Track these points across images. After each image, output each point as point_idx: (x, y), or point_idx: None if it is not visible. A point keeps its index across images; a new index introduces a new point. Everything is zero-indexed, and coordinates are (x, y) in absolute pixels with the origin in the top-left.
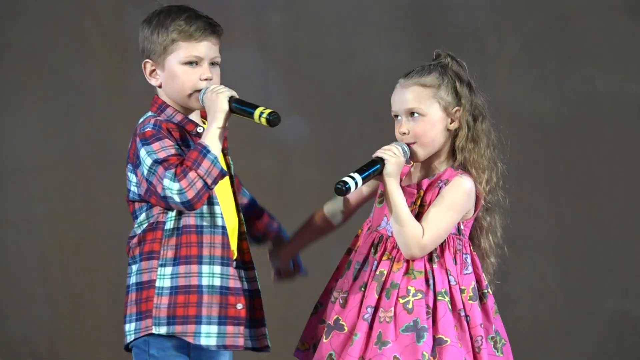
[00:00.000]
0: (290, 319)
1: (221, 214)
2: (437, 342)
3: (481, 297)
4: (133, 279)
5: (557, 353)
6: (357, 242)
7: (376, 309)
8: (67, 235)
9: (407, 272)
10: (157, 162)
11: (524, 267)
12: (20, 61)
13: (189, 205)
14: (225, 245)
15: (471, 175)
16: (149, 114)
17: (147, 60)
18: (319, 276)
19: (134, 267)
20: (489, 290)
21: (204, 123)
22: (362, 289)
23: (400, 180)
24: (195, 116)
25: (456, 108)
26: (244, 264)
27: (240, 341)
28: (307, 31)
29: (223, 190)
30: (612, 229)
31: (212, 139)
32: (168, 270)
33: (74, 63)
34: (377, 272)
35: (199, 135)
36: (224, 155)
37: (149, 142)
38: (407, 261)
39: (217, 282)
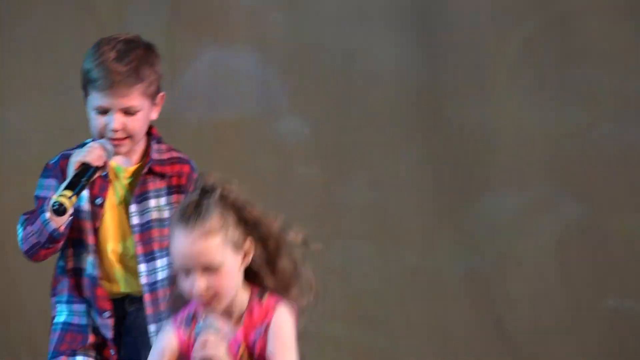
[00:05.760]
0: None
1: (93, 262)
2: None
3: None
4: None
5: (558, 353)
6: None
7: None
8: None
9: None
10: (35, 198)
11: (524, 268)
12: (20, 61)
13: (27, 257)
14: (93, 295)
15: (283, 298)
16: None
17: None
18: (320, 274)
19: None
20: None
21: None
22: None
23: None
24: (124, 158)
25: (246, 241)
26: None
27: None
28: (308, 30)
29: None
30: (612, 229)
31: (61, 187)
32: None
33: (73, 63)
34: None
35: (104, 177)
36: (133, 203)
37: (41, 176)
38: None
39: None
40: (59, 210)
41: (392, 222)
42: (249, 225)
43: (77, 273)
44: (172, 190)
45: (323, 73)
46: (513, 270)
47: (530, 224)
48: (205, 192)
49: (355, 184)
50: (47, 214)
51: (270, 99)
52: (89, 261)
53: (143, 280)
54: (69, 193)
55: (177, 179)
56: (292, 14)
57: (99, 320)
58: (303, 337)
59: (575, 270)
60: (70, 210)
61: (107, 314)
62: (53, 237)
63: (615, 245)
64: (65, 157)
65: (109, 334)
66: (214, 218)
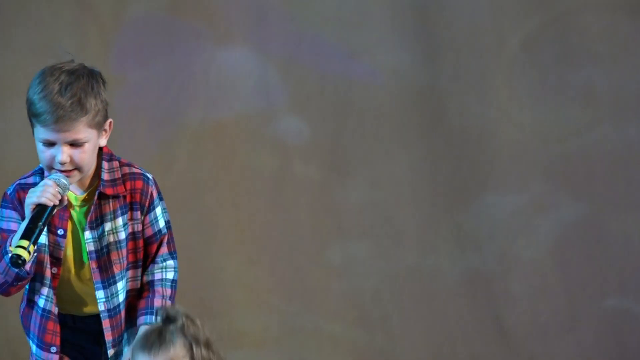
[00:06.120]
0: (289, 317)
1: (47, 295)
2: None
3: None
4: None
5: (557, 353)
6: None
7: None
8: None
9: None
10: None
11: (524, 267)
12: (19, 61)
13: None
14: (42, 328)
15: None
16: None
17: None
18: (319, 274)
19: None
20: None
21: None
22: None
23: None
24: (75, 186)
25: None
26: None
27: None
28: (307, 30)
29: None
30: (611, 229)
31: (17, 238)
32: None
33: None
34: None
35: (63, 207)
36: (87, 229)
37: (1, 206)
38: None
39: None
40: (17, 263)
41: (392, 221)
42: None
43: (30, 305)
44: (126, 208)
45: (323, 73)
46: (512, 269)
47: (530, 223)
48: (169, 320)
49: (355, 184)
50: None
51: (270, 99)
52: (43, 295)
53: (101, 307)
54: (25, 243)
55: (130, 196)
56: (292, 14)
57: (42, 356)
58: (302, 336)
59: (575, 269)
60: (34, 248)
61: (54, 348)
62: (20, 277)
63: (615, 245)
64: (22, 187)
65: None
66: (178, 346)
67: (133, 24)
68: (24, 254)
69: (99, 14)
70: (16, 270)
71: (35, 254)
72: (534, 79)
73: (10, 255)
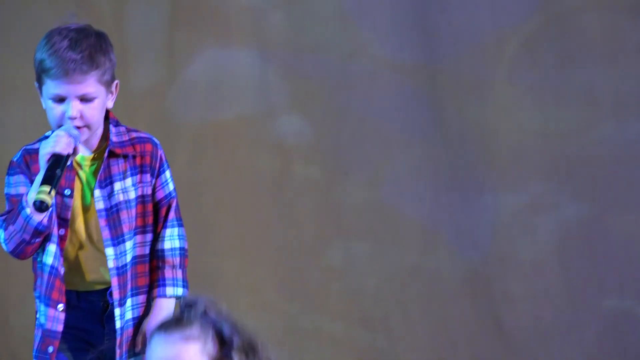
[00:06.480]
0: (289, 317)
1: (54, 253)
2: None
3: None
4: None
5: (558, 353)
6: None
7: None
8: None
9: None
10: (5, 197)
11: (524, 267)
12: (20, 61)
13: (14, 256)
14: (50, 285)
15: None
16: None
17: None
18: (320, 274)
19: None
20: None
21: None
22: None
23: None
24: (83, 146)
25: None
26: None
27: None
28: (308, 29)
29: (78, 223)
30: (612, 229)
31: (34, 188)
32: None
33: None
34: None
35: (69, 167)
36: (97, 187)
37: (8, 174)
38: None
39: (43, 320)
40: (42, 207)
41: (392, 221)
42: (224, 344)
43: (40, 268)
44: (136, 170)
45: (323, 73)
46: (513, 269)
47: (531, 223)
48: (189, 305)
49: (355, 183)
50: (28, 210)
51: (270, 99)
52: (51, 254)
53: (110, 264)
54: (47, 188)
55: (140, 158)
56: (292, 14)
57: (49, 313)
58: (302, 336)
59: (575, 269)
60: (55, 193)
61: (61, 306)
62: (38, 231)
63: (616, 245)
64: (28, 152)
65: (59, 327)
66: (194, 328)
67: (133, 23)
68: (47, 199)
69: (99, 14)
70: (35, 224)
71: (51, 209)
72: (534, 79)
73: (34, 201)
